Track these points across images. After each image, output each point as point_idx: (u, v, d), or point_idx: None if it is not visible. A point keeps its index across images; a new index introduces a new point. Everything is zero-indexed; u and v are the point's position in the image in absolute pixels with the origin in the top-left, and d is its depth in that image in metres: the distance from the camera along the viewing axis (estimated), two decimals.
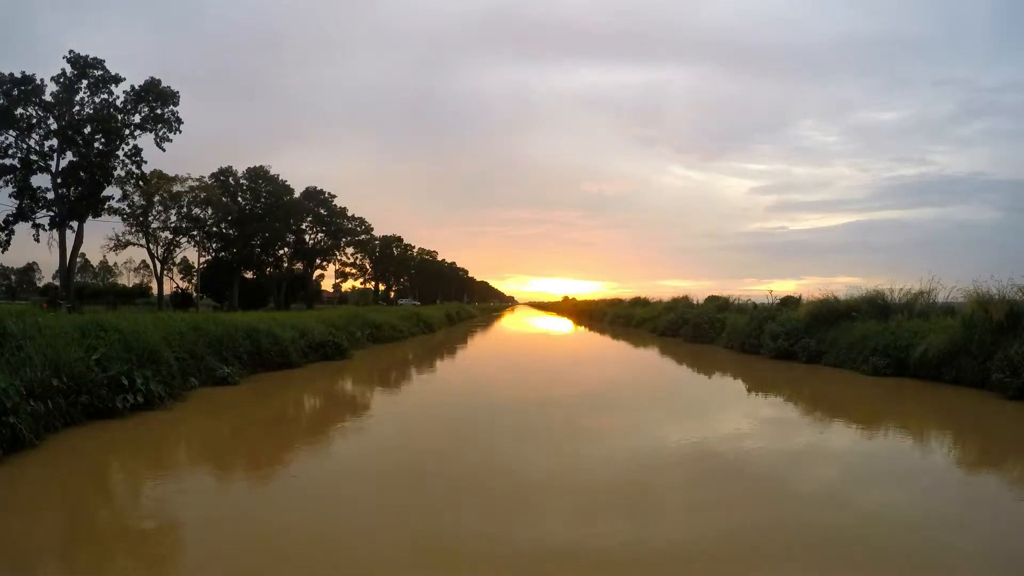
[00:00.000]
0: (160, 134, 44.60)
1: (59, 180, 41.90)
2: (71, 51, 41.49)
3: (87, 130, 42.23)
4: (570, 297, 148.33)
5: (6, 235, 42.16)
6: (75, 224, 42.60)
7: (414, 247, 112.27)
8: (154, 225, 53.89)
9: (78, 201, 42.10)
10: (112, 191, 45.91)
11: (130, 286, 79.06)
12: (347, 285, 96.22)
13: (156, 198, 52.68)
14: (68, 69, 41.57)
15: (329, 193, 74.77)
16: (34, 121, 41.13)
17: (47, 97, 41.05)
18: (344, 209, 76.82)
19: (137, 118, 43.97)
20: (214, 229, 59.81)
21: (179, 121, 45.10)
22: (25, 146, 41.38)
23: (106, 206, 44.88)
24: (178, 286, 62.18)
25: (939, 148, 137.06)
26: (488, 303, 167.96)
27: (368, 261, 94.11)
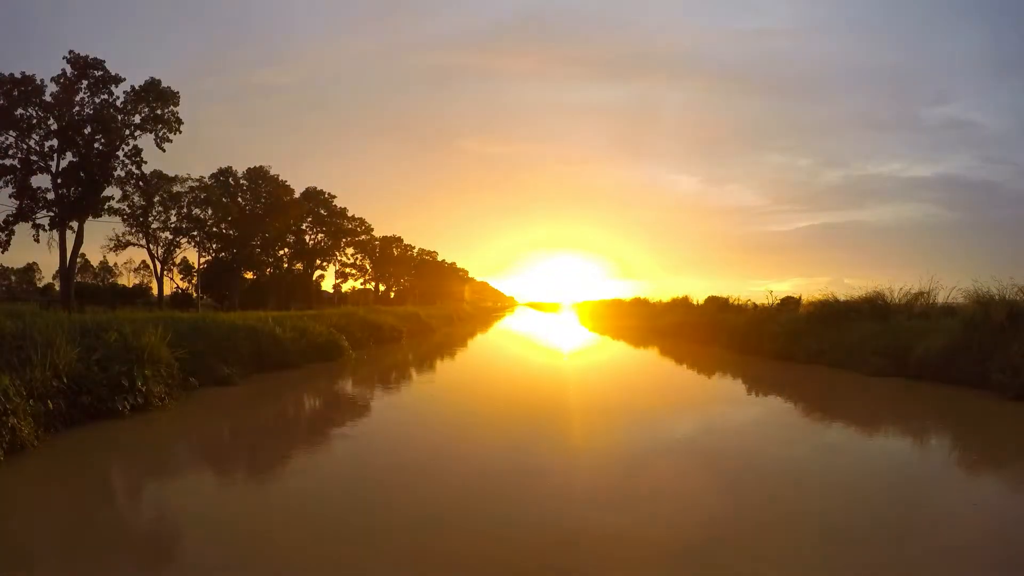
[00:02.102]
0: (160, 134, 44.56)
1: (59, 180, 41.84)
2: (71, 51, 41.48)
3: (87, 130, 42.19)
4: (570, 298, 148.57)
5: (6, 235, 42.05)
6: (75, 224, 42.52)
7: (414, 247, 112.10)
8: (154, 225, 53.93)
9: (78, 201, 42.03)
10: (112, 191, 45.89)
11: (130, 286, 78.85)
12: (347, 286, 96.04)
13: (156, 198, 52.70)
14: (68, 69, 41.55)
15: (329, 193, 74.75)
16: (34, 121, 41.07)
17: (47, 97, 41.03)
18: (344, 209, 76.82)
19: (137, 118, 43.92)
20: (214, 229, 59.78)
21: (179, 121, 45.03)
22: (25, 146, 41.31)
23: (106, 206, 44.79)
24: (178, 286, 62.22)
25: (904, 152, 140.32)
26: (488, 304, 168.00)
27: (368, 261, 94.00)
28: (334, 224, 75.66)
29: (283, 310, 46.87)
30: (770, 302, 30.05)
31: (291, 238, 69.31)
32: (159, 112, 44.22)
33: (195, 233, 56.68)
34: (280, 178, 65.77)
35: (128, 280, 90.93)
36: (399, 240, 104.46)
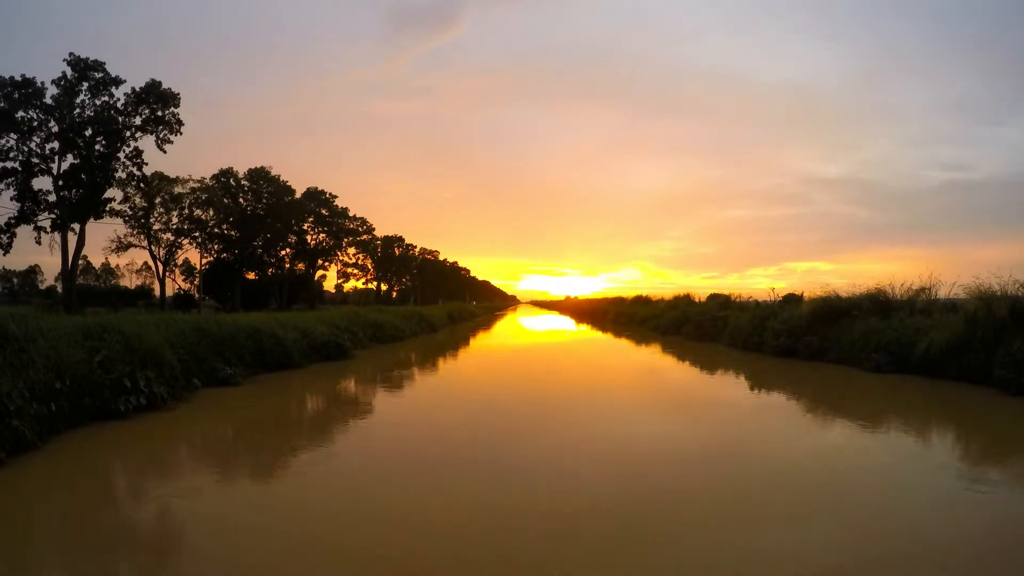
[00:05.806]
0: (161, 136, 44.67)
1: (60, 183, 41.95)
2: (71, 53, 41.59)
3: (88, 132, 42.27)
4: (572, 296, 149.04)
5: (8, 238, 42.23)
6: (76, 226, 42.64)
7: (416, 247, 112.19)
8: (156, 227, 53.99)
9: (79, 203, 42.13)
10: (113, 193, 46.03)
11: (132, 288, 79.13)
12: (349, 285, 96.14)
13: (157, 200, 52.75)
14: (69, 72, 41.63)
15: (330, 193, 74.80)
16: (35, 124, 41.17)
17: (48, 100, 41.11)
18: (346, 209, 76.87)
19: (138, 120, 44.04)
20: (216, 230, 59.86)
21: (180, 123, 45.15)
22: (26, 149, 41.43)
23: (107, 208, 44.95)
24: (180, 287, 62.32)
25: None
26: (490, 303, 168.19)
27: (370, 261, 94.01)
28: (336, 224, 75.71)
29: (285, 310, 46.95)
30: (772, 299, 29.99)
31: (293, 238, 69.38)
32: (160, 114, 44.33)
33: (197, 234, 56.78)
34: (281, 178, 65.90)
35: (130, 282, 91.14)
36: (401, 240, 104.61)
